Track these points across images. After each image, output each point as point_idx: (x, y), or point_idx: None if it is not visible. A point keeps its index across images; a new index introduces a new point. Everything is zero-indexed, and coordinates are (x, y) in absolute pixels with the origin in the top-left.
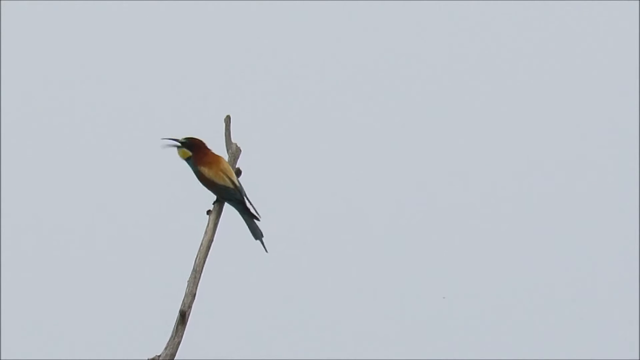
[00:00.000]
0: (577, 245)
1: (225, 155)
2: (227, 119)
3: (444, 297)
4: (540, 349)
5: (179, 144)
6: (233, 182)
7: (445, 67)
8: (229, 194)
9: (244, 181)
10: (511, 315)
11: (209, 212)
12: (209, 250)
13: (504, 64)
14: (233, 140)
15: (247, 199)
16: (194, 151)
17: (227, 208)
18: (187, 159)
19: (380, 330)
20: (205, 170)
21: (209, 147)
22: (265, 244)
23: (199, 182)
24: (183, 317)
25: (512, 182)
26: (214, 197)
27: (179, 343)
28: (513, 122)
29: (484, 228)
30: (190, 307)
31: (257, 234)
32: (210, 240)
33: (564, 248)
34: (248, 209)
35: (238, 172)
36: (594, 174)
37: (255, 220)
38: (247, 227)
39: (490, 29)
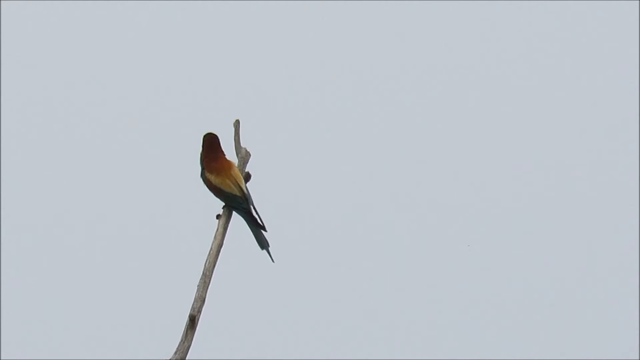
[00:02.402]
0: (576, 245)
1: (235, 160)
2: (237, 123)
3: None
4: (540, 349)
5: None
6: (241, 190)
7: (446, 71)
8: (235, 203)
9: (253, 185)
10: (511, 315)
11: (218, 216)
12: (218, 255)
13: (504, 65)
14: (242, 145)
15: (254, 208)
16: (204, 150)
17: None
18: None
19: (387, 332)
20: (212, 177)
21: (220, 147)
22: (271, 253)
23: (206, 187)
24: (193, 322)
25: (511, 183)
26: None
27: (188, 347)
28: (514, 123)
29: (484, 230)
30: (199, 311)
31: (263, 243)
32: (220, 245)
33: (563, 248)
34: (254, 219)
35: (248, 177)
36: (595, 175)
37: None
38: (253, 236)
39: (490, 30)
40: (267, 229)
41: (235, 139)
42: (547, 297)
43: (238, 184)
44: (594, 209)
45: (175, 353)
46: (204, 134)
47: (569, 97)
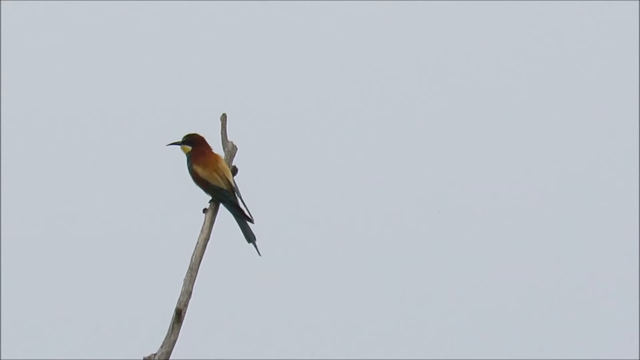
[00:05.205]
0: (577, 245)
1: (222, 154)
2: (223, 118)
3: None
4: (540, 349)
5: (179, 143)
6: (229, 183)
7: (444, 70)
8: (222, 195)
9: (240, 179)
10: (511, 315)
11: (205, 210)
12: (205, 249)
13: (504, 66)
14: (229, 139)
15: (242, 200)
16: (193, 147)
17: (223, 206)
18: (188, 154)
19: (375, 329)
20: (199, 170)
21: (208, 143)
22: (258, 247)
23: (193, 181)
24: (179, 316)
25: (511, 182)
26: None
27: (174, 341)
28: (514, 123)
29: (482, 229)
30: (186, 305)
31: (249, 237)
32: (207, 239)
33: (564, 248)
34: (242, 211)
35: (234, 170)
36: (595, 175)
37: (249, 223)
38: (240, 229)
39: (491, 30)
40: (254, 221)
41: (222, 133)
42: (546, 297)
43: (225, 177)
44: (594, 209)
45: (162, 347)
46: (190, 133)
47: (568, 96)
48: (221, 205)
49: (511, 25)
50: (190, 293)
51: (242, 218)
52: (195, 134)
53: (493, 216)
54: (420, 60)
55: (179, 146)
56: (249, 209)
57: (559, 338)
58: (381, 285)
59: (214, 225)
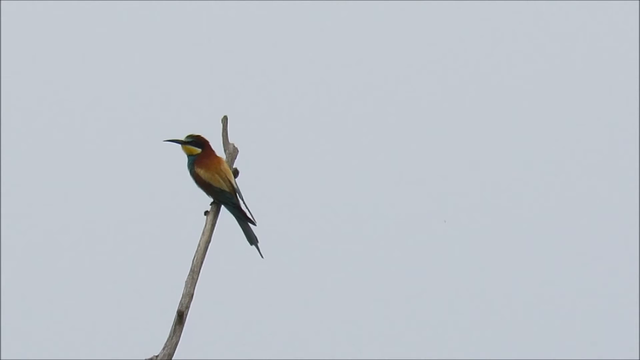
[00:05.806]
0: (577, 245)
1: (223, 156)
2: (224, 120)
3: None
4: (540, 349)
5: (183, 142)
6: (230, 185)
7: (445, 69)
8: (224, 197)
9: (241, 181)
10: (511, 315)
11: (206, 212)
12: (206, 251)
13: (504, 65)
14: (230, 141)
15: (244, 202)
16: (202, 149)
17: (225, 209)
18: (191, 156)
19: (376, 330)
20: (201, 172)
21: (212, 147)
22: (260, 249)
23: (194, 183)
24: (181, 318)
25: (512, 182)
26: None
27: (176, 343)
28: (515, 122)
29: (482, 228)
30: (187, 307)
31: (252, 239)
32: (208, 241)
33: (564, 248)
34: (244, 213)
35: (235, 173)
36: (595, 175)
37: (251, 225)
38: (242, 232)
39: (491, 29)
40: (256, 223)
41: (223, 135)
42: (546, 297)
43: (227, 179)
44: (594, 209)
45: (164, 349)
46: (195, 134)
47: (568, 96)
48: (222, 207)
49: (511, 25)
50: (192, 295)
51: (244, 220)
52: (201, 136)
53: (493, 215)
54: (420, 61)
55: (179, 146)
56: (251, 211)
57: (559, 338)
58: (383, 286)
59: (215, 228)
